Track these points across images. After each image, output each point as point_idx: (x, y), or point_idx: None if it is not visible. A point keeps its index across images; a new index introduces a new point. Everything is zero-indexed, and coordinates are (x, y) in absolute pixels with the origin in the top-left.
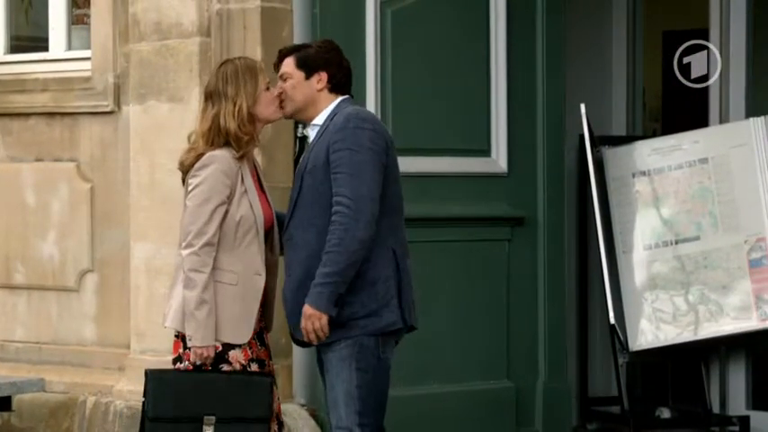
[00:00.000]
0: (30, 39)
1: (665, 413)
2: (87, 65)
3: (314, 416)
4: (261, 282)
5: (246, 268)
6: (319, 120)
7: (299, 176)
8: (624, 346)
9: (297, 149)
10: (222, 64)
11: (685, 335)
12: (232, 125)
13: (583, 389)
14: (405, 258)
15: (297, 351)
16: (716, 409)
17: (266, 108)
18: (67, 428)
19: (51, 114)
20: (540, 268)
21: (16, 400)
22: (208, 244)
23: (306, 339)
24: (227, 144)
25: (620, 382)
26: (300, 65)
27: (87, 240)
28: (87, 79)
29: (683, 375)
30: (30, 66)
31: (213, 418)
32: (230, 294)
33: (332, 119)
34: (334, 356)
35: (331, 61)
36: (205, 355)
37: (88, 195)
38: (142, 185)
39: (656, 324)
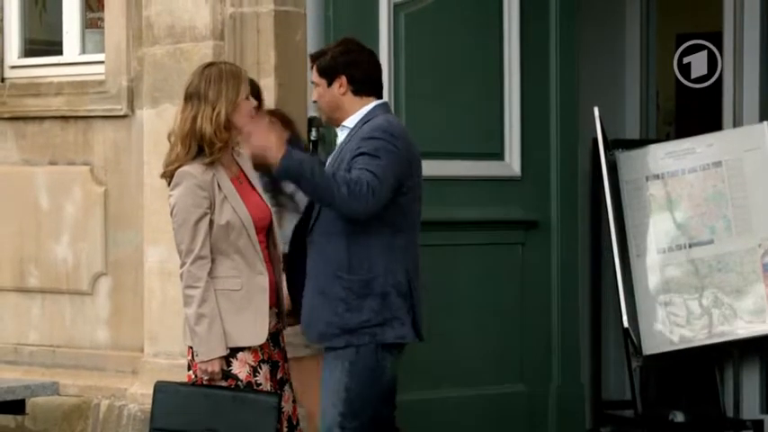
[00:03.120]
0: (44, 42)
1: (679, 417)
2: (101, 68)
3: None
4: (264, 280)
5: (247, 270)
6: (350, 122)
7: None
8: (638, 349)
9: (311, 153)
10: (207, 66)
11: (699, 338)
12: (208, 129)
13: (596, 392)
14: (417, 275)
15: None
16: (730, 412)
17: (243, 117)
18: None
19: (65, 118)
20: (553, 271)
21: (30, 403)
22: (198, 258)
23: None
24: (200, 150)
25: (633, 385)
26: (322, 72)
27: (101, 243)
28: (101, 83)
29: (697, 379)
30: (44, 69)
31: None
32: (237, 299)
33: (363, 124)
34: (331, 355)
35: (348, 63)
36: (210, 370)
37: (102, 198)
38: (155, 189)
39: (669, 328)
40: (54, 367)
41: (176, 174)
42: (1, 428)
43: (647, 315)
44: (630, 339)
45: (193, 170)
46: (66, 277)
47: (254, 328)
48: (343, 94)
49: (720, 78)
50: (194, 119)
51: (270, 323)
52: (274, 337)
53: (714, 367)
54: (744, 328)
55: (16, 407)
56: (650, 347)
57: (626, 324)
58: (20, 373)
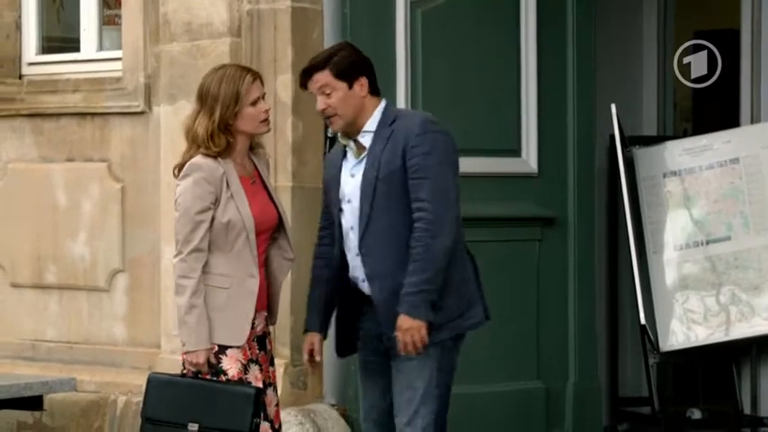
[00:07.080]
0: (61, 39)
1: (696, 414)
2: (118, 65)
3: (344, 416)
4: (254, 284)
5: (239, 271)
6: (371, 126)
7: (369, 186)
8: (655, 346)
9: (327, 150)
10: (215, 69)
11: (716, 335)
12: (201, 132)
13: (613, 389)
14: (473, 256)
15: (327, 351)
16: (747, 409)
17: (248, 123)
18: (99, 428)
19: (82, 114)
20: (570, 268)
21: (48, 399)
22: (195, 250)
23: (404, 352)
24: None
25: (650, 382)
26: (340, 75)
27: (118, 240)
28: (118, 80)
29: (714, 376)
30: (61, 66)
31: (197, 425)
32: (223, 297)
33: (390, 123)
34: (415, 358)
35: (365, 64)
36: (195, 361)
37: (119, 195)
38: (172, 186)
39: (686, 324)
40: (71, 363)
41: (187, 165)
42: (19, 424)
43: (665, 312)
44: (647, 336)
45: (204, 164)
46: (83, 274)
47: (232, 328)
48: (364, 95)
49: (738, 76)
50: (193, 120)
51: (257, 326)
52: (261, 340)
53: (731, 364)
54: (761, 325)
55: (34, 403)
56: (667, 344)
57: (643, 321)
58: (37, 369)
